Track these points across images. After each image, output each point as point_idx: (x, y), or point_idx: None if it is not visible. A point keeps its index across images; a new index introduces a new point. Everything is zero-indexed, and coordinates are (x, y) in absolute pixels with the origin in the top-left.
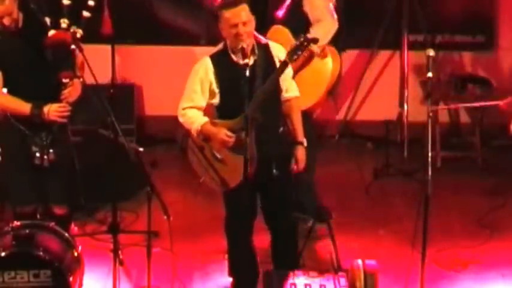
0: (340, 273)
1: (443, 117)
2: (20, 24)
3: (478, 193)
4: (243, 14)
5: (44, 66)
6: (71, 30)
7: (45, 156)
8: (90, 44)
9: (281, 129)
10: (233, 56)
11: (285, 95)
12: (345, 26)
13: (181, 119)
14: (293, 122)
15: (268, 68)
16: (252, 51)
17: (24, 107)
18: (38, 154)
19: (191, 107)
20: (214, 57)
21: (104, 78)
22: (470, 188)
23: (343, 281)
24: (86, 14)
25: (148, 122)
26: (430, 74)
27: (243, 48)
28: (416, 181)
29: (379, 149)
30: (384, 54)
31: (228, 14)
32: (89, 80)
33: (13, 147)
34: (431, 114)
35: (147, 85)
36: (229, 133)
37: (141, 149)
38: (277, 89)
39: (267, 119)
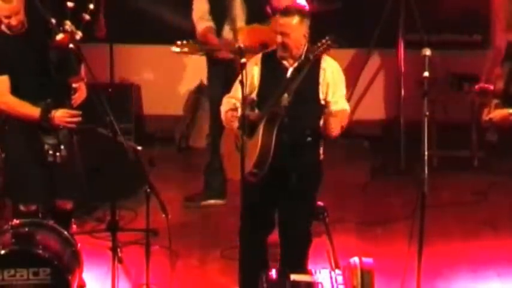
0: (337, 271)
1: (440, 116)
2: (26, 26)
3: (474, 192)
4: (287, 26)
5: (48, 67)
6: (69, 30)
7: (58, 153)
8: (89, 44)
9: (309, 139)
10: (280, 57)
11: (332, 108)
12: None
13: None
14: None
15: (310, 76)
16: (298, 58)
17: (34, 112)
18: (51, 151)
19: (230, 97)
20: (265, 54)
21: (103, 77)
22: (466, 187)
23: (340, 279)
24: (86, 17)
25: (146, 121)
26: (426, 73)
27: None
28: (413, 180)
29: (376, 148)
30: (380, 54)
31: (276, 19)
32: (88, 80)
33: (23, 146)
34: (427, 113)
35: (145, 84)
36: (235, 113)
37: (139, 148)
38: (313, 98)
39: (294, 123)
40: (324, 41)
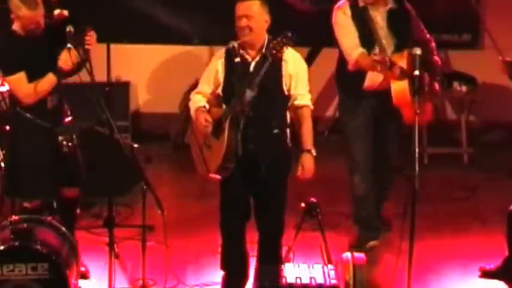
0: (329, 266)
1: None
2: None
3: (464, 188)
4: (249, 8)
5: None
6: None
7: (70, 143)
8: None
9: (275, 131)
10: (241, 50)
11: (295, 102)
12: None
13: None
14: (302, 130)
15: (272, 68)
16: (260, 50)
17: (51, 78)
18: (65, 142)
19: (198, 93)
20: (229, 49)
21: (100, 76)
22: (456, 183)
23: (332, 274)
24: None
25: (143, 119)
26: (417, 72)
27: (245, 42)
28: (404, 176)
29: None
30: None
31: (237, 6)
32: (85, 78)
33: (37, 143)
34: (418, 111)
35: (142, 83)
36: (208, 118)
37: (136, 145)
38: (277, 90)
39: (260, 116)
40: (281, 38)
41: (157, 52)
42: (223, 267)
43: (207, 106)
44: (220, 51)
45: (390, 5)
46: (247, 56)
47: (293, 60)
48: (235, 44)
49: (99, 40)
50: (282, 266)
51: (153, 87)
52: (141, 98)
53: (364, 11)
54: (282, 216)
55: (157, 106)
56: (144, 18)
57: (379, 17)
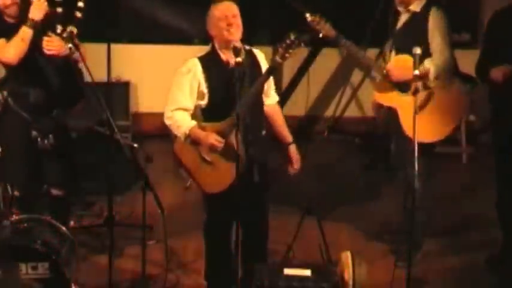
0: (329, 265)
1: None
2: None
3: (463, 188)
4: (234, 7)
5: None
6: (68, 29)
7: (46, 141)
8: (87, 43)
9: (263, 132)
10: (222, 56)
11: (267, 101)
12: None
13: (168, 122)
14: (280, 125)
15: (254, 70)
16: (241, 51)
17: (25, 31)
18: (39, 139)
19: (178, 109)
20: (202, 58)
21: (100, 76)
22: (455, 183)
23: (332, 273)
24: (78, 14)
25: (143, 119)
26: (416, 72)
27: (234, 47)
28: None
29: (367, 144)
30: (372, 52)
31: (217, 8)
32: (85, 78)
33: (15, 134)
34: (417, 110)
35: (142, 83)
36: (218, 138)
37: (136, 145)
38: (261, 92)
39: (253, 119)
40: (292, 39)
41: (158, 52)
42: (206, 277)
43: (195, 122)
44: (191, 61)
45: (415, 8)
46: (231, 60)
47: (264, 60)
48: (236, 44)
49: (99, 40)
50: (281, 264)
51: (153, 87)
52: (141, 98)
53: (396, 12)
54: (268, 215)
55: (157, 106)
56: (145, 18)
57: (402, 20)
